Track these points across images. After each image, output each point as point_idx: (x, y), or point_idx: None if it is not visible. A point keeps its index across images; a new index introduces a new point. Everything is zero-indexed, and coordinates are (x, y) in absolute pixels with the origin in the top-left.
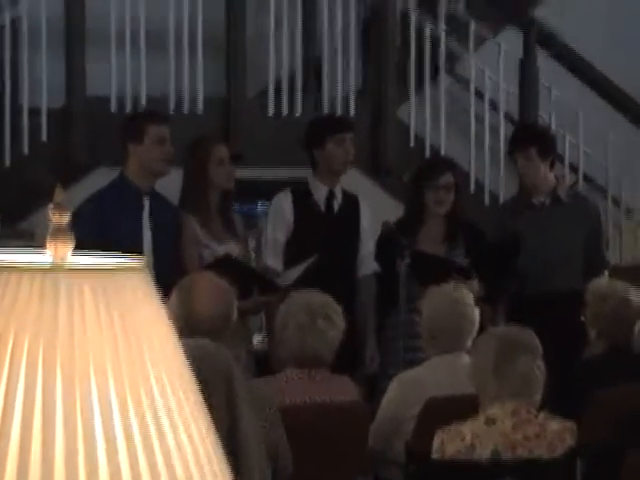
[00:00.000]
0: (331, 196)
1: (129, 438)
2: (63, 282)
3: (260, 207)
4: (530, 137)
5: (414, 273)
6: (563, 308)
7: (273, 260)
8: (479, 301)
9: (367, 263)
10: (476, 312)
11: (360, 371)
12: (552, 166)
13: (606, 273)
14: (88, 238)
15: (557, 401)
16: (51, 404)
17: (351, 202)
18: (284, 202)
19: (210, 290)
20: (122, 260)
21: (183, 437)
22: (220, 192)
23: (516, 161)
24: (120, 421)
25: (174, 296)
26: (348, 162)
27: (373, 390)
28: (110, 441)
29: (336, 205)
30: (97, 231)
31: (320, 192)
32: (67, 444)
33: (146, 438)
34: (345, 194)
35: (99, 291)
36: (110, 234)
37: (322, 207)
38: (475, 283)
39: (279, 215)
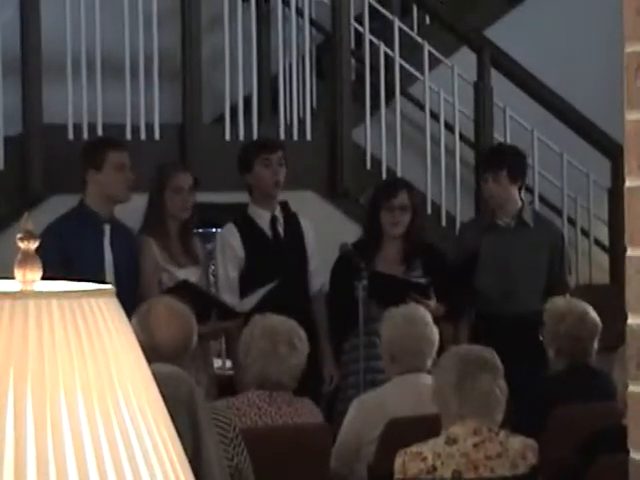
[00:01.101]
0: (274, 220)
1: (99, 458)
2: (32, 306)
3: (216, 231)
4: (502, 159)
5: (372, 294)
6: (524, 329)
7: (229, 297)
8: (440, 320)
9: (316, 280)
10: (435, 332)
11: (319, 391)
12: (520, 189)
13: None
14: (50, 265)
15: (518, 420)
16: (22, 425)
17: (293, 221)
18: (231, 237)
19: (168, 315)
20: (90, 286)
21: (152, 456)
22: (180, 218)
23: (485, 181)
24: (90, 439)
25: (133, 322)
26: (279, 183)
27: (332, 413)
28: (80, 459)
29: (280, 228)
30: (59, 258)
31: (263, 218)
32: (38, 465)
33: (115, 457)
34: (285, 214)
35: (68, 315)
36: (72, 261)
37: (268, 233)
38: (433, 302)
39: (228, 251)
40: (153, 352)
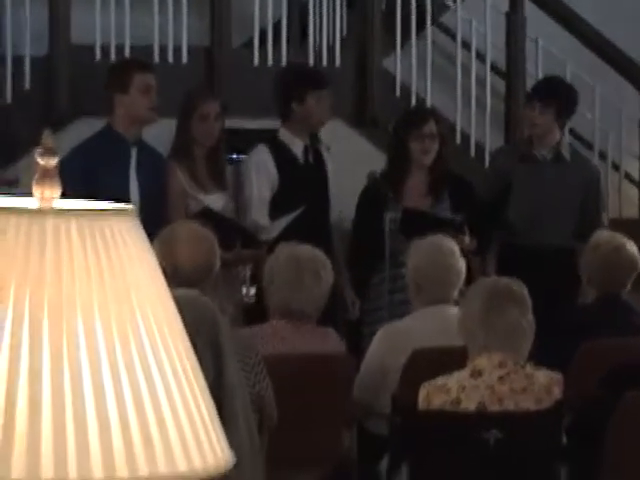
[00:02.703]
0: (307, 149)
1: (115, 377)
2: (50, 224)
3: (244, 157)
4: (555, 93)
5: (403, 230)
6: (553, 261)
7: (260, 216)
8: (469, 254)
9: (334, 209)
10: (462, 263)
11: (341, 317)
12: (562, 127)
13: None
14: (74, 188)
15: (545, 351)
16: (38, 342)
17: (317, 152)
18: (266, 158)
19: (190, 239)
20: (110, 205)
21: (170, 377)
22: (206, 145)
23: (532, 109)
24: (107, 359)
25: (155, 245)
26: (326, 119)
27: (359, 344)
28: (96, 377)
29: (310, 157)
30: (84, 181)
31: (297, 146)
32: (54, 382)
33: (133, 376)
34: (314, 145)
35: (86, 233)
36: (97, 184)
37: (301, 160)
38: (467, 238)
39: (263, 171)
40: (175, 276)
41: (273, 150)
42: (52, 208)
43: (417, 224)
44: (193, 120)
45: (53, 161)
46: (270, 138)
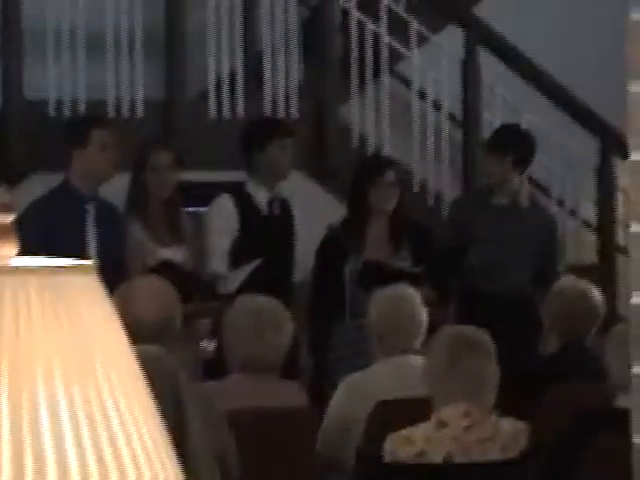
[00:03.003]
0: (272, 200)
1: (78, 440)
2: (7, 283)
3: (201, 210)
4: (509, 144)
5: (362, 281)
6: (512, 308)
7: (218, 265)
8: (430, 304)
9: (300, 268)
10: (423, 312)
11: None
12: (521, 173)
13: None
14: (32, 244)
15: (509, 401)
16: None
17: (286, 206)
18: (227, 207)
19: (151, 294)
20: (70, 261)
21: (135, 440)
22: (162, 197)
23: (489, 161)
24: (69, 424)
25: (114, 302)
26: (289, 168)
27: (322, 394)
28: (59, 444)
29: (276, 209)
30: (41, 237)
31: (261, 196)
32: (14, 444)
33: (96, 437)
34: (280, 198)
35: (46, 292)
36: (54, 240)
37: (264, 211)
38: (426, 291)
39: (223, 220)
40: (135, 332)
41: (236, 200)
42: (9, 266)
43: (376, 276)
44: (146, 172)
45: (9, 218)
46: (235, 188)
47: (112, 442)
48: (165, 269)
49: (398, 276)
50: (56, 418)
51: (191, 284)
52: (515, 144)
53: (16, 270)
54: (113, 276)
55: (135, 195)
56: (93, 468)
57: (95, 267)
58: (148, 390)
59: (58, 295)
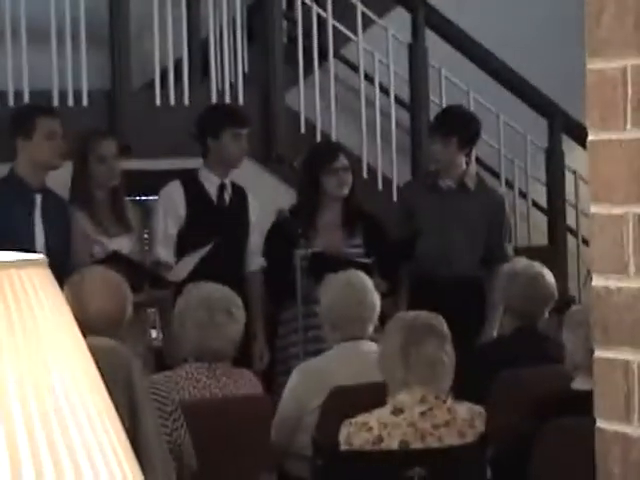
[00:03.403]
0: (222, 188)
1: (32, 439)
2: None
3: (149, 198)
4: (453, 125)
5: (312, 270)
6: (461, 292)
7: (165, 253)
8: (382, 294)
9: (254, 259)
10: (376, 297)
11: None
12: (468, 155)
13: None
14: None
15: (464, 385)
16: None
17: (240, 194)
18: (175, 194)
19: (101, 286)
20: (19, 256)
21: (89, 436)
22: (108, 187)
23: (434, 143)
24: (23, 424)
25: (64, 294)
26: (242, 157)
27: (271, 387)
28: (13, 445)
29: (227, 197)
30: None
31: (211, 183)
32: None
33: (49, 432)
34: (234, 186)
35: None
36: (1, 230)
37: (214, 199)
38: (376, 280)
39: (170, 207)
40: (87, 325)
41: (186, 186)
42: None
43: (325, 267)
44: (90, 162)
45: None
46: (186, 174)
47: (67, 440)
48: (113, 260)
49: (349, 266)
50: (10, 420)
51: (139, 274)
52: (460, 125)
53: None
54: (62, 269)
55: (79, 185)
56: (49, 470)
57: (45, 261)
58: (103, 386)
59: (8, 289)
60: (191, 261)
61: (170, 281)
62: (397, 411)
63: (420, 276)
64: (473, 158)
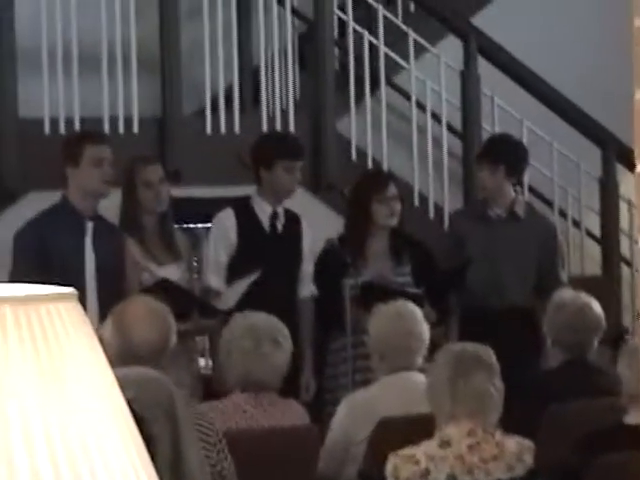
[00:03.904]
0: (275, 216)
1: (58, 476)
2: None
3: (199, 226)
4: (500, 153)
5: (362, 301)
6: (513, 322)
7: (215, 280)
8: (432, 324)
9: (306, 286)
10: (425, 328)
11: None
12: (516, 183)
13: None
14: (26, 262)
15: (513, 418)
16: None
17: (293, 221)
18: (227, 221)
19: (145, 314)
20: (50, 289)
21: (116, 473)
22: (156, 213)
23: (481, 171)
24: (47, 460)
25: (108, 322)
26: (294, 189)
27: (321, 414)
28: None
29: (279, 225)
30: (37, 255)
31: (264, 211)
32: None
33: (77, 476)
34: (287, 213)
35: (23, 323)
36: (50, 259)
37: (266, 227)
38: (426, 310)
39: (222, 234)
40: (130, 353)
41: (238, 214)
42: None
43: (375, 297)
44: (137, 188)
45: None
46: (239, 202)
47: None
48: (162, 287)
49: (399, 296)
50: (33, 454)
51: (188, 302)
52: (507, 153)
53: None
54: (114, 296)
55: (128, 212)
56: None
57: (75, 295)
58: (132, 422)
59: (36, 324)
60: (239, 289)
61: (219, 309)
62: (444, 444)
63: (471, 306)
64: (525, 187)
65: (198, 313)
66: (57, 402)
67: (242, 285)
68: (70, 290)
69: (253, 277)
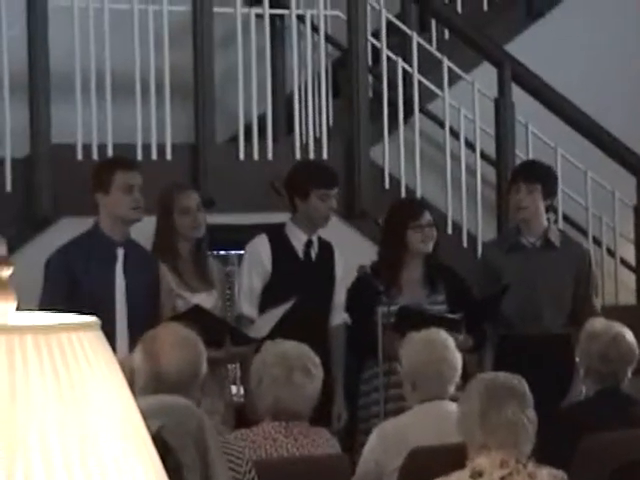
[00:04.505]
0: (309, 244)
1: None
2: (3, 342)
3: (231, 253)
4: (537, 173)
5: (398, 326)
6: (549, 351)
7: (248, 308)
8: (467, 352)
9: (339, 312)
10: (458, 356)
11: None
12: (548, 210)
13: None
14: (58, 288)
15: (546, 448)
16: None
17: (327, 250)
18: (261, 248)
19: (175, 342)
20: (71, 317)
21: None
22: (191, 240)
23: (517, 192)
24: None
25: (138, 350)
26: (329, 217)
27: (351, 443)
28: None
29: (313, 253)
30: (67, 282)
31: (298, 239)
32: None
33: None
34: (320, 241)
35: (44, 350)
36: (80, 286)
37: (300, 254)
38: (463, 336)
39: (256, 261)
40: (159, 381)
41: (272, 241)
42: (6, 324)
43: (413, 322)
44: (175, 214)
45: (7, 272)
46: (273, 229)
47: None
48: (194, 313)
49: (436, 321)
50: None
51: (220, 329)
52: (543, 173)
53: (13, 328)
54: (146, 323)
55: (163, 238)
56: None
57: (98, 323)
58: (154, 451)
59: (57, 353)
60: (273, 317)
61: (252, 337)
62: (476, 475)
63: (508, 334)
64: (560, 215)
65: (231, 341)
66: (76, 429)
67: (276, 313)
68: (92, 319)
69: (288, 305)
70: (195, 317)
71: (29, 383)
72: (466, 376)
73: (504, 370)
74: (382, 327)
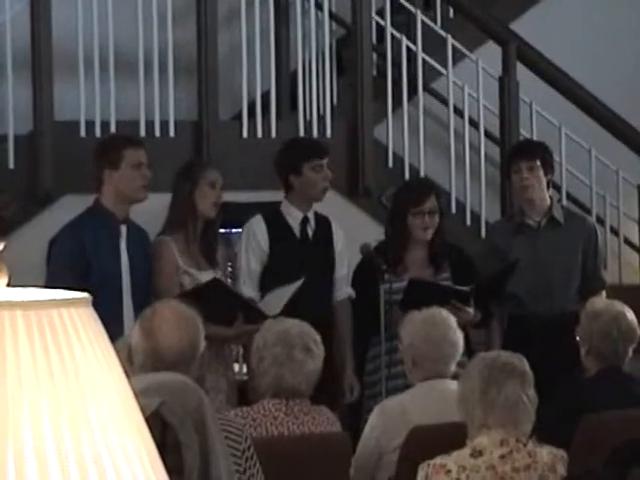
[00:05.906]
0: (305, 221)
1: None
2: None
3: (233, 231)
4: (534, 150)
5: (406, 301)
6: (560, 330)
7: (249, 290)
8: (474, 327)
9: (342, 287)
10: (459, 335)
11: (340, 401)
12: (548, 186)
13: (604, 293)
14: (64, 267)
15: (546, 427)
16: None
17: (324, 225)
18: (257, 230)
19: (173, 319)
20: (62, 294)
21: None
22: (205, 218)
23: (518, 171)
24: (57, 464)
25: (136, 328)
26: (326, 188)
27: (358, 421)
28: None
29: (310, 230)
30: (78, 256)
31: (294, 217)
32: None
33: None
34: (317, 217)
35: (35, 328)
36: (89, 263)
37: (297, 233)
38: (472, 310)
39: (253, 243)
40: (158, 359)
41: (268, 221)
42: None
43: (422, 295)
44: (199, 190)
45: None
46: (268, 209)
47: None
48: (215, 287)
49: (446, 293)
50: (44, 465)
51: (236, 306)
52: (540, 149)
53: (3, 303)
54: (145, 300)
55: (177, 216)
56: None
57: (88, 299)
58: (145, 427)
59: (48, 329)
60: (284, 295)
61: (266, 315)
62: (476, 453)
63: (518, 314)
64: (563, 193)
65: (244, 318)
66: (67, 404)
67: (286, 292)
68: (83, 295)
69: (298, 283)
70: (215, 290)
71: (19, 357)
72: (470, 353)
73: (515, 350)
74: (385, 304)
